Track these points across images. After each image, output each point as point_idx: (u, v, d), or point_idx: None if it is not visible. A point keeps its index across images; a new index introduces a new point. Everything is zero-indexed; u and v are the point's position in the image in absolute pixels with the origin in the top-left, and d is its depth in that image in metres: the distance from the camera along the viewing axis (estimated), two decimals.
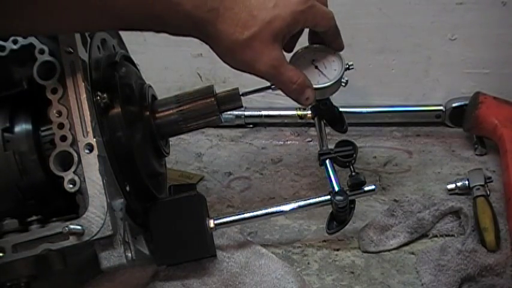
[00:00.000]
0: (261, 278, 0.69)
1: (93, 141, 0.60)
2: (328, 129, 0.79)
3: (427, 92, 0.98)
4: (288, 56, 0.71)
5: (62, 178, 0.59)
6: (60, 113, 0.60)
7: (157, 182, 0.73)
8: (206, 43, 0.64)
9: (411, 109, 0.97)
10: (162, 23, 0.61)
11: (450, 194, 0.81)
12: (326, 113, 0.78)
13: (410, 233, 0.75)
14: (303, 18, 0.64)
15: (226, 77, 1.01)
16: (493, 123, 0.84)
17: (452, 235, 0.75)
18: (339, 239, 0.77)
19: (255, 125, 1.02)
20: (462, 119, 0.91)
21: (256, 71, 0.65)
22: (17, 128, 0.62)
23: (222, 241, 0.74)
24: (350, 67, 0.72)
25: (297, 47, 0.73)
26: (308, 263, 0.74)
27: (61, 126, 0.60)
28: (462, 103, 0.92)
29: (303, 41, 0.73)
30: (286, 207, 0.72)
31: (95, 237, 0.58)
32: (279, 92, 0.70)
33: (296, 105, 0.98)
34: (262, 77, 0.66)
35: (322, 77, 0.71)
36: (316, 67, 0.71)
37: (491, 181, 0.80)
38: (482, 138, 0.90)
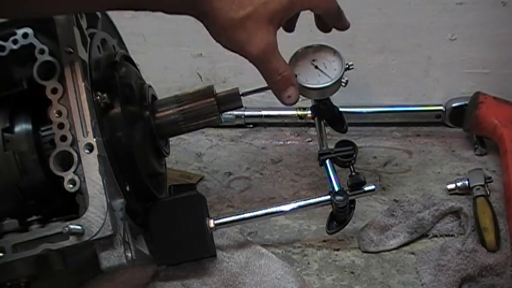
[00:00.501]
0: (261, 278, 0.69)
1: (93, 141, 0.60)
2: (328, 129, 0.79)
3: (427, 92, 0.98)
4: (288, 54, 0.71)
5: (62, 178, 0.59)
6: (60, 113, 0.60)
7: (157, 182, 0.73)
8: (201, 21, 0.63)
9: (411, 109, 0.97)
10: (158, 1, 0.60)
11: (450, 194, 0.81)
12: (326, 113, 0.78)
13: (410, 233, 0.75)
14: (299, 1, 0.64)
15: (226, 77, 1.01)
16: (493, 123, 0.84)
17: (452, 235, 0.75)
18: (339, 239, 0.77)
19: (255, 125, 1.02)
20: (462, 119, 0.91)
21: (246, 53, 0.64)
22: (17, 128, 0.62)
23: (222, 241, 0.74)
24: (350, 67, 0.72)
25: (297, 48, 0.73)
26: (308, 263, 0.74)
27: (61, 126, 0.60)
28: (462, 103, 0.92)
29: (303, 42, 0.73)
30: (286, 207, 0.72)
31: (95, 237, 0.58)
32: None
33: (296, 105, 0.99)
34: (250, 61, 0.65)
35: (322, 76, 0.71)
36: (316, 67, 0.71)
37: (491, 181, 0.80)
38: (482, 138, 0.90)
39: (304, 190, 0.86)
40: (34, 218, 0.60)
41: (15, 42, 0.63)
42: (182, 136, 0.96)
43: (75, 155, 0.59)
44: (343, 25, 0.70)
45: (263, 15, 0.62)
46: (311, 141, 0.97)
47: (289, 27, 0.71)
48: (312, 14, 0.68)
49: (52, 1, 0.57)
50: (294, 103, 0.68)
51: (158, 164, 0.74)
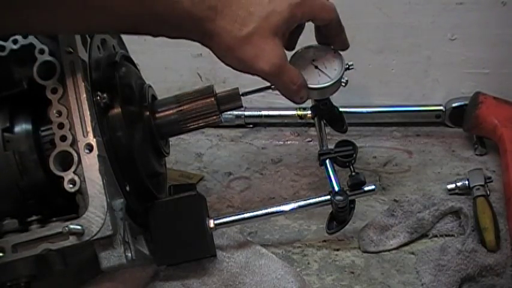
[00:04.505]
0: (261, 278, 0.69)
1: (93, 141, 0.60)
2: (328, 129, 0.79)
3: (427, 92, 0.98)
4: (288, 55, 0.71)
5: (62, 178, 0.59)
6: (60, 113, 0.60)
7: (157, 182, 0.73)
8: (205, 44, 0.64)
9: (411, 109, 0.97)
10: (161, 22, 0.60)
11: (450, 194, 0.81)
12: (326, 113, 0.78)
13: (410, 233, 0.75)
14: (299, 11, 0.64)
15: (226, 77, 1.01)
16: (493, 123, 0.84)
17: (452, 235, 0.75)
18: (339, 239, 0.77)
19: (255, 125, 1.02)
20: (462, 119, 0.91)
21: (257, 70, 0.64)
22: (17, 128, 0.62)
23: (222, 241, 0.74)
24: (350, 67, 0.72)
25: (297, 47, 0.73)
26: (308, 263, 0.74)
27: (61, 126, 0.60)
28: (462, 103, 0.92)
29: (303, 42, 0.73)
30: (286, 207, 0.72)
31: (95, 237, 0.58)
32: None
33: (296, 105, 0.99)
34: (262, 77, 0.65)
35: (322, 76, 0.71)
36: (316, 67, 0.71)
37: (491, 181, 0.80)
38: (482, 138, 0.90)
39: (304, 190, 0.86)
40: (34, 218, 0.60)
41: (15, 42, 0.63)
42: (182, 136, 0.96)
43: (75, 155, 0.59)
44: (343, 42, 0.71)
45: (267, 30, 0.62)
46: (311, 141, 0.97)
47: (291, 45, 0.72)
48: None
49: (52, 19, 0.56)
50: (306, 100, 0.71)
51: (158, 164, 0.73)
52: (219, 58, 0.65)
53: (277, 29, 0.63)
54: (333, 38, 0.70)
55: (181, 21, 0.60)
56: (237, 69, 0.66)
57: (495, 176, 0.83)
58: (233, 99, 0.73)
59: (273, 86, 0.73)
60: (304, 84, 0.68)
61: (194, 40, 0.64)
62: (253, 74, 0.65)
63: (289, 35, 0.68)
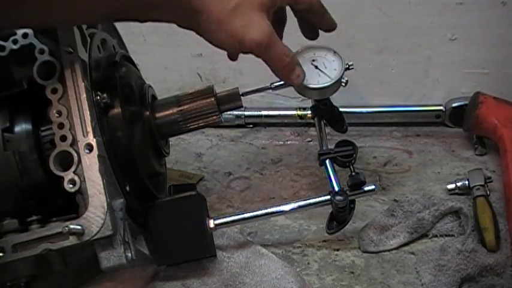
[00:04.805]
0: (261, 278, 0.69)
1: (93, 141, 0.60)
2: (328, 129, 0.79)
3: (427, 92, 0.98)
4: None
5: (62, 178, 0.59)
6: (60, 113, 0.60)
7: (157, 182, 0.73)
8: (194, 25, 0.63)
9: (411, 109, 0.97)
10: (151, 6, 0.60)
11: (450, 194, 0.81)
12: (326, 113, 0.78)
13: (410, 233, 0.75)
14: None
15: (226, 77, 1.01)
16: (493, 123, 0.84)
17: (452, 235, 0.75)
18: (339, 239, 0.77)
19: (255, 125, 1.02)
20: (462, 119, 0.91)
21: (249, 41, 0.63)
22: (17, 128, 0.62)
23: (222, 241, 0.74)
24: (350, 67, 0.72)
25: (297, 47, 0.73)
26: (308, 263, 0.74)
27: (61, 126, 0.60)
28: (462, 103, 0.92)
29: (303, 42, 0.73)
30: (286, 207, 0.72)
31: (95, 237, 0.58)
32: (279, 92, 0.70)
33: (296, 105, 0.99)
34: (254, 50, 0.64)
35: (322, 76, 0.71)
36: (316, 67, 0.72)
37: (491, 181, 0.80)
38: (482, 138, 0.90)
39: (304, 190, 0.86)
40: (34, 218, 0.60)
41: (15, 42, 0.63)
42: (182, 136, 0.96)
43: (75, 155, 0.59)
44: (328, 24, 0.70)
45: (253, 2, 0.63)
46: (311, 141, 0.97)
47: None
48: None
49: (45, 12, 0.56)
50: (303, 80, 0.69)
51: (158, 164, 0.74)
52: (208, 38, 0.64)
53: (263, 4, 0.63)
54: (318, 21, 0.70)
55: (171, 2, 0.60)
56: (228, 48, 0.65)
57: (495, 176, 0.83)
58: (233, 99, 0.73)
59: (273, 86, 0.73)
60: (297, 61, 0.67)
61: (182, 25, 0.63)
62: (244, 52, 0.65)
63: (273, 22, 0.67)
